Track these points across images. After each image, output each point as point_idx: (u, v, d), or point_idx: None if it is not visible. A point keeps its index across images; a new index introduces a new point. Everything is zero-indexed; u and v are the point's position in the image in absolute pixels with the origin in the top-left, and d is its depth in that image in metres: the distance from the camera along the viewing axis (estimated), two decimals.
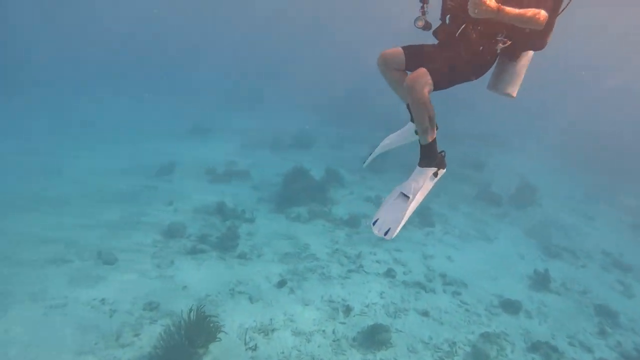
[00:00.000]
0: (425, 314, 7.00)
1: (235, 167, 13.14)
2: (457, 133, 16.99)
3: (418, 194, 2.67)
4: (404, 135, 3.17)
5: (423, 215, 10.50)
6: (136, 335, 5.98)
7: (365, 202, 11.43)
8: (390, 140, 3.25)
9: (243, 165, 13.41)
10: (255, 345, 5.95)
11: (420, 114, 2.49)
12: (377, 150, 3.30)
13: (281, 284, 7.44)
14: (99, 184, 11.47)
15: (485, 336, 6.52)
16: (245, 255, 8.34)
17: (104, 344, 5.78)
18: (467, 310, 7.25)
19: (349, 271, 8.08)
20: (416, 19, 2.73)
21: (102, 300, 6.66)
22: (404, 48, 2.80)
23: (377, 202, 11.25)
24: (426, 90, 2.43)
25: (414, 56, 2.76)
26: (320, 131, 18.34)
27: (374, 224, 2.75)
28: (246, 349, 5.87)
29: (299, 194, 10.76)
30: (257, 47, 40.94)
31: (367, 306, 7.06)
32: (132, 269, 7.64)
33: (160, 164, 12.66)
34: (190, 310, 5.79)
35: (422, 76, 2.43)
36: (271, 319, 6.50)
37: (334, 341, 6.21)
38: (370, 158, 3.41)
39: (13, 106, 19.83)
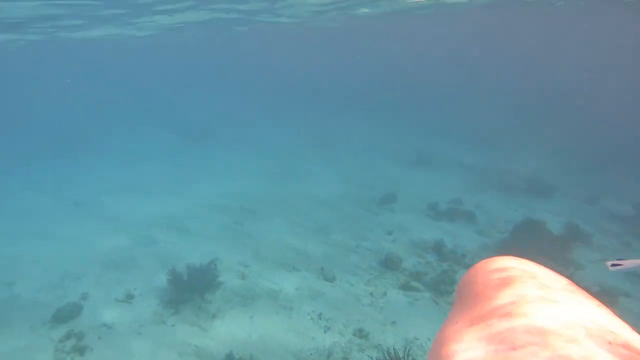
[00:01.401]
0: None
1: (459, 205, 12.41)
2: None
3: None
4: None
5: None
6: (345, 358, 6.10)
7: (624, 273, 8.95)
8: None
9: (468, 205, 12.55)
10: None
11: None
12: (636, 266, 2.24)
13: None
14: (331, 201, 12.73)
15: None
16: None
17: (317, 355, 6.11)
18: None
19: None
20: None
21: (320, 315, 7.12)
22: None
23: None
24: None
25: None
26: (563, 177, 15.68)
27: None
28: None
29: (531, 247, 9.26)
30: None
31: None
32: (347, 291, 7.97)
33: (383, 191, 13.11)
34: (399, 351, 5.51)
35: None
36: None
37: None
38: (621, 268, 2.28)
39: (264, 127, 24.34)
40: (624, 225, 11.05)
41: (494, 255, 0.89)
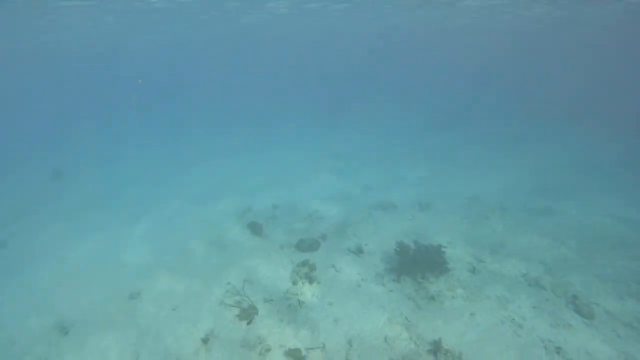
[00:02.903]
0: None
1: None
2: None
3: None
4: None
5: None
6: None
7: None
8: None
9: None
10: None
11: None
12: None
13: None
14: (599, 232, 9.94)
15: None
16: None
17: None
18: None
19: None
20: None
21: (558, 350, 5.63)
22: None
23: None
24: None
25: None
26: None
27: None
28: None
29: None
30: None
31: None
32: (610, 340, 6.03)
33: None
34: None
35: None
36: None
37: None
38: None
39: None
40: None
41: None
